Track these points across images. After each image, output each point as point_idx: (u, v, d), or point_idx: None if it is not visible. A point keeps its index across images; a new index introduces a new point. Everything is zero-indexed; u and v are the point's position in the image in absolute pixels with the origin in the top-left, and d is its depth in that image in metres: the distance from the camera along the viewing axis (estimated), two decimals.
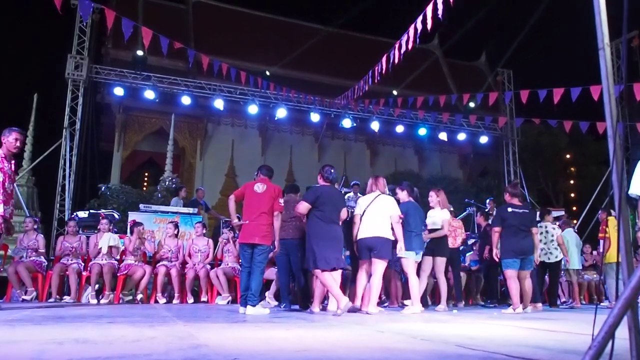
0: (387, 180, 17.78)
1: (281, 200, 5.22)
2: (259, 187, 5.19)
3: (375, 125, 14.66)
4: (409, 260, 5.71)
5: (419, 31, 6.90)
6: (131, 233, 7.53)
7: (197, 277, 7.35)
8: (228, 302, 6.99)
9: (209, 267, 7.50)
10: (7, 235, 5.05)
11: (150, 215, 8.82)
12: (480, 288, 8.64)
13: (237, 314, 4.81)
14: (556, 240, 7.77)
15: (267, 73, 14.67)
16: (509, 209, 6.05)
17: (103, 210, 9.24)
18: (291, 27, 22.74)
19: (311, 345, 2.58)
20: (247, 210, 5.18)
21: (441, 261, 6.34)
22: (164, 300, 7.10)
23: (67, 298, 7.09)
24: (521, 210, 6.08)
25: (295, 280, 6.14)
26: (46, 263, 7.28)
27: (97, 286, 7.09)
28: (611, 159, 1.81)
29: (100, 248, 7.04)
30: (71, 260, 7.11)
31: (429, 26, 6.58)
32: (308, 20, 23.84)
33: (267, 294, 7.25)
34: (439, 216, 6.39)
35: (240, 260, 6.87)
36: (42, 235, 7.35)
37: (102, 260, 7.02)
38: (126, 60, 15.16)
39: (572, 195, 24.13)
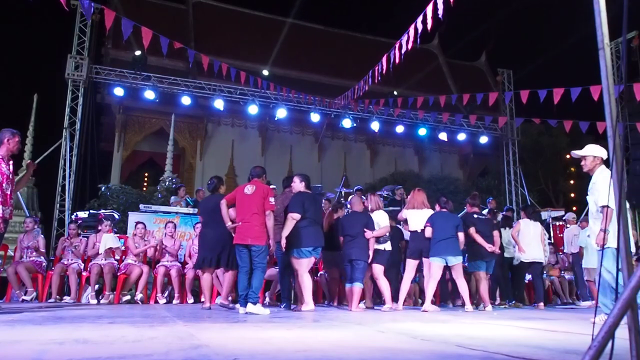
0: (387, 180, 17.63)
1: (272, 199, 5.30)
2: (249, 189, 5.30)
3: (375, 125, 14.65)
4: (434, 264, 6.17)
5: (419, 31, 6.89)
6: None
7: (197, 277, 7.34)
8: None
9: None
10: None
11: (150, 215, 8.82)
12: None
13: (237, 314, 4.81)
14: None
15: (265, 73, 14.64)
16: (475, 216, 6.69)
17: (103, 211, 9.23)
18: (291, 27, 22.74)
19: (311, 345, 2.58)
20: (239, 212, 5.26)
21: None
22: (164, 301, 7.10)
23: (67, 298, 7.08)
24: (484, 217, 6.84)
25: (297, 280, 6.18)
26: (46, 263, 7.28)
27: (97, 286, 7.10)
28: (611, 159, 1.81)
29: (99, 251, 7.04)
30: (71, 260, 7.11)
31: (429, 26, 6.57)
32: (308, 20, 23.86)
33: (266, 294, 7.25)
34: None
35: None
36: (42, 236, 7.34)
37: (102, 260, 7.02)
38: (126, 61, 15.16)
39: (572, 195, 24.14)
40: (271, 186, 6.07)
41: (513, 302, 7.52)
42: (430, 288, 6.21)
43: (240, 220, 5.18)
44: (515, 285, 7.82)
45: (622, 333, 1.57)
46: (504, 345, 2.58)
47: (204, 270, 5.92)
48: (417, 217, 6.42)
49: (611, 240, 3.99)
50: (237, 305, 5.25)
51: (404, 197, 9.23)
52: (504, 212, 8.59)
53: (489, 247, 6.45)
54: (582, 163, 4.42)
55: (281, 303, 6.27)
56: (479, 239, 6.49)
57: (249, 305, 4.96)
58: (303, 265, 5.58)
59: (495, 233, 6.73)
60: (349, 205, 7.40)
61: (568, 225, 9.43)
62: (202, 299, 7.39)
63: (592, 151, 4.37)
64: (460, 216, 7.20)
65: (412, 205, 6.55)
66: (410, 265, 6.41)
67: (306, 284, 5.59)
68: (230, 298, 6.99)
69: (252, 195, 5.23)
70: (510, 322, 4.31)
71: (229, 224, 5.29)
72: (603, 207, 4.07)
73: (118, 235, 7.92)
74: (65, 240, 7.36)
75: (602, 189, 4.13)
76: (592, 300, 8.04)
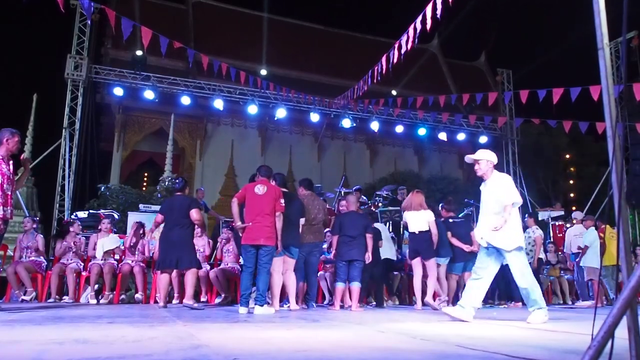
0: (387, 180, 17.63)
1: (282, 201, 5.28)
2: (260, 189, 5.25)
3: (375, 125, 14.65)
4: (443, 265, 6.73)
5: (418, 31, 6.89)
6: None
7: (196, 277, 7.33)
8: (228, 302, 6.98)
9: (208, 267, 7.49)
10: None
11: (150, 215, 8.81)
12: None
13: (237, 314, 4.81)
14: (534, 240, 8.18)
15: (263, 72, 14.63)
16: (451, 220, 6.97)
17: (103, 211, 9.23)
18: (291, 26, 22.74)
19: (311, 345, 2.58)
20: (250, 212, 5.21)
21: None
22: None
23: (66, 298, 7.08)
24: (459, 221, 7.21)
25: (307, 281, 6.25)
26: (45, 263, 7.27)
27: (96, 286, 7.09)
28: (611, 159, 1.81)
29: (96, 255, 7.06)
30: (70, 260, 7.10)
31: (428, 26, 6.57)
32: (308, 20, 23.86)
33: (267, 293, 7.24)
34: None
35: (240, 261, 6.88)
36: (42, 235, 7.33)
37: (101, 260, 7.02)
38: (126, 60, 15.16)
39: (572, 195, 24.15)
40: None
41: (512, 302, 7.54)
42: (431, 287, 6.42)
43: (251, 220, 5.14)
44: (509, 285, 7.91)
45: (622, 333, 1.57)
46: (504, 345, 2.58)
47: (164, 271, 5.92)
48: (415, 219, 6.50)
49: (518, 240, 4.26)
50: (238, 306, 5.22)
51: (404, 196, 9.23)
52: None
53: (466, 247, 6.77)
54: (476, 167, 4.56)
55: (282, 302, 6.27)
56: (455, 242, 6.78)
57: (257, 308, 4.96)
58: (274, 264, 5.50)
59: (472, 233, 6.93)
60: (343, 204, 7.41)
61: (568, 225, 9.46)
62: (202, 299, 7.44)
63: (486, 156, 4.50)
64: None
65: (409, 206, 6.58)
66: (413, 264, 6.57)
67: (274, 284, 5.57)
68: (229, 297, 7.00)
69: (264, 195, 5.20)
70: (510, 322, 4.31)
71: (238, 223, 5.26)
72: (506, 206, 4.25)
73: (118, 235, 7.91)
74: (63, 241, 7.34)
75: (507, 189, 4.31)
76: (592, 300, 8.06)
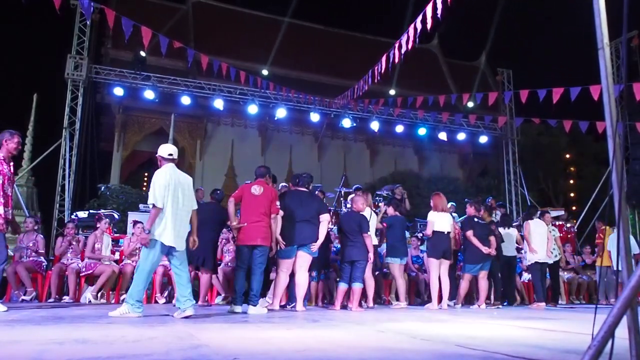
0: (387, 180, 17.67)
1: (277, 203, 5.33)
2: (257, 190, 5.28)
3: (375, 125, 14.64)
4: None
5: (418, 31, 6.89)
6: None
7: (196, 277, 7.33)
8: (228, 302, 6.98)
9: None
10: (15, 234, 5.15)
11: None
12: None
13: (237, 314, 4.81)
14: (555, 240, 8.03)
15: (265, 72, 14.61)
16: (475, 220, 6.99)
17: (103, 211, 9.23)
18: (291, 26, 22.72)
19: (311, 345, 2.58)
20: (246, 212, 5.23)
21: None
22: (164, 301, 7.09)
23: (66, 298, 7.08)
24: (483, 222, 7.17)
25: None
26: (46, 263, 7.27)
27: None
28: (611, 159, 1.81)
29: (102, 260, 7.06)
30: (71, 260, 7.10)
31: (428, 26, 6.56)
32: (308, 20, 23.84)
33: (268, 293, 7.24)
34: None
35: None
36: (42, 236, 7.33)
37: (105, 262, 7.02)
38: (126, 60, 15.15)
39: (572, 195, 24.15)
40: (282, 184, 6.06)
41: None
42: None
43: (247, 220, 5.15)
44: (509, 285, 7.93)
45: (622, 333, 1.57)
46: (504, 345, 2.58)
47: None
48: (441, 219, 6.71)
49: (154, 234, 4.24)
50: (232, 305, 5.18)
51: (404, 195, 9.23)
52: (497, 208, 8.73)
53: (484, 249, 6.78)
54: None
55: (288, 302, 6.25)
56: (475, 241, 6.77)
57: (250, 307, 4.96)
58: (282, 265, 5.54)
59: (492, 238, 7.06)
60: (349, 204, 7.43)
61: (568, 225, 9.47)
62: (205, 300, 7.43)
63: (160, 150, 4.68)
64: (463, 219, 7.38)
65: (440, 208, 6.77)
66: (434, 264, 6.68)
67: (278, 284, 5.59)
68: (229, 297, 7.01)
69: (260, 196, 5.23)
70: (510, 322, 4.31)
71: (234, 223, 5.27)
72: (153, 205, 4.28)
73: (118, 235, 7.90)
74: (63, 241, 7.32)
75: (152, 186, 4.35)
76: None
